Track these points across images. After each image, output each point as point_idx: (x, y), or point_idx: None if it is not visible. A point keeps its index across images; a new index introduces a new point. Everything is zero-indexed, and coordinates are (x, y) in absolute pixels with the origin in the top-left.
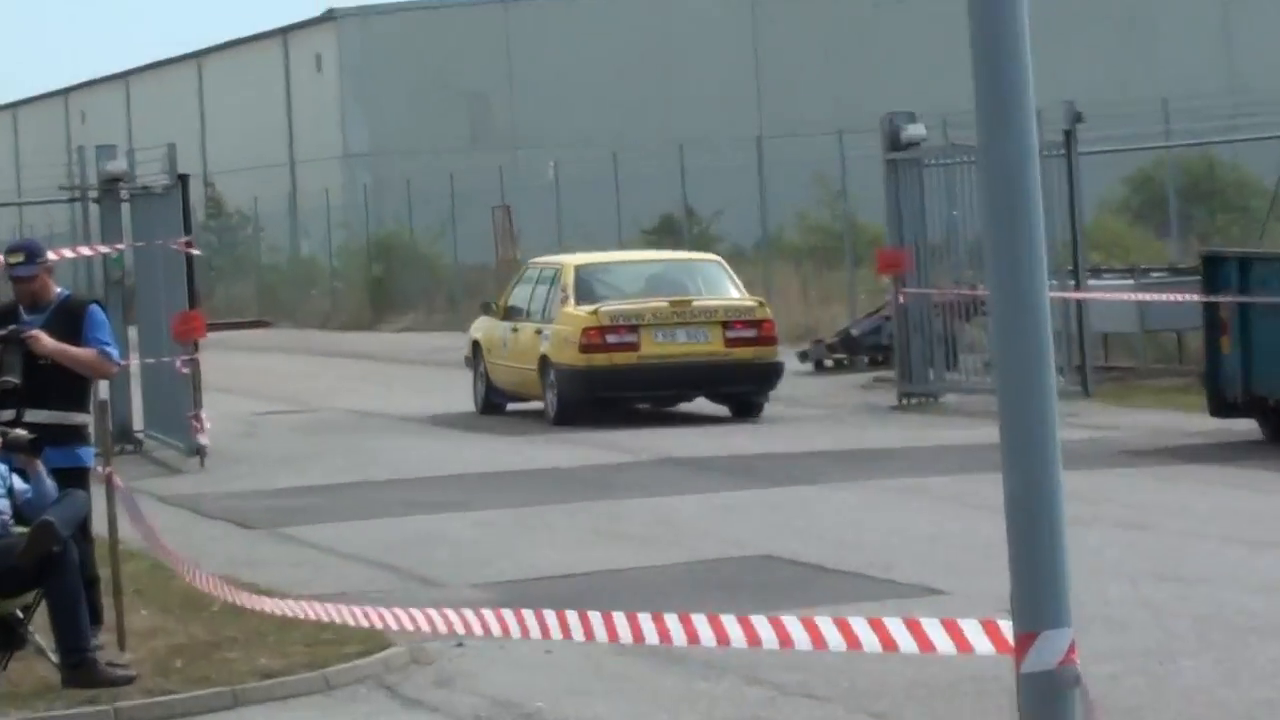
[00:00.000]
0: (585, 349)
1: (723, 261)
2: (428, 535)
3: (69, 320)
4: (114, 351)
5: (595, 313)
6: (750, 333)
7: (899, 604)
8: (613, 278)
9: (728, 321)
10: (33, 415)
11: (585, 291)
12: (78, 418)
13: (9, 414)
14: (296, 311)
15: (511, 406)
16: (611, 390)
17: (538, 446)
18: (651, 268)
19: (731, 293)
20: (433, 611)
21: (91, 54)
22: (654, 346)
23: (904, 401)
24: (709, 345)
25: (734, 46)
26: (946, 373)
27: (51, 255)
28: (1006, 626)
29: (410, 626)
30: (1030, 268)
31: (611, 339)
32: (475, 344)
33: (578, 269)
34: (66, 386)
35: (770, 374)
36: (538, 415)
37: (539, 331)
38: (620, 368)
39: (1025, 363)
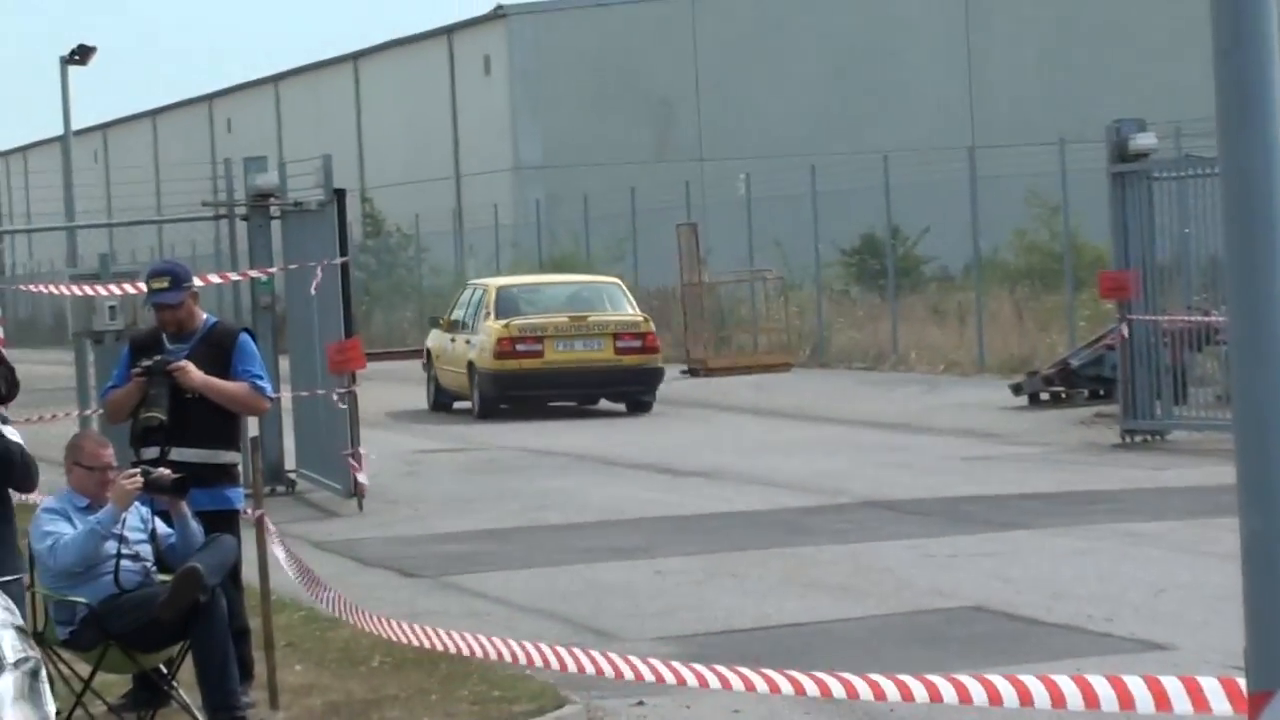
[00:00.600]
0: (499, 355)
1: (621, 284)
2: (604, 584)
3: (217, 351)
4: (266, 385)
5: (508, 325)
6: (636, 343)
7: (1119, 660)
8: (530, 297)
9: (618, 333)
10: (179, 454)
11: (505, 308)
12: (226, 456)
13: (153, 452)
14: None
15: (456, 405)
16: (521, 390)
17: (718, 486)
18: (563, 289)
19: (626, 310)
20: (615, 658)
21: (238, 56)
22: (556, 354)
23: (1127, 439)
24: (602, 353)
25: (944, 47)
26: (1175, 407)
27: (197, 280)
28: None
29: (592, 670)
30: (1274, 291)
31: (521, 348)
32: (428, 352)
33: (499, 289)
34: (214, 423)
35: (653, 377)
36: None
37: (469, 341)
38: (528, 371)
39: (1268, 396)
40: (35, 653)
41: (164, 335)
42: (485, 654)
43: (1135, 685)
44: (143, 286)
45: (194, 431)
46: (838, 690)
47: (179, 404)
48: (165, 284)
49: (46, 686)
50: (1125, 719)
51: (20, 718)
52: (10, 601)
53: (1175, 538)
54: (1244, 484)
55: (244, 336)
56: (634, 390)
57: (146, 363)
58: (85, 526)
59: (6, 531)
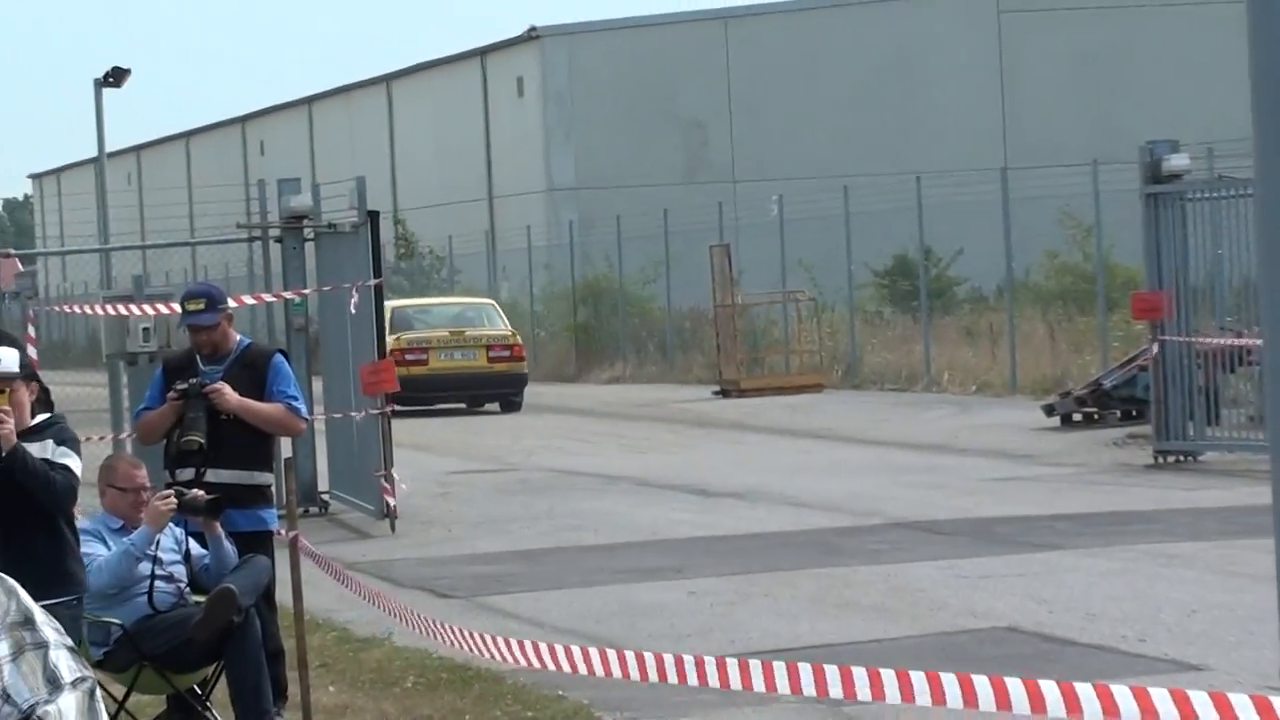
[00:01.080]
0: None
1: (496, 305)
2: (638, 605)
3: (251, 372)
4: (301, 406)
5: (399, 339)
6: (506, 353)
7: (1153, 680)
8: (421, 315)
9: (490, 345)
10: (214, 475)
11: (398, 324)
12: (261, 477)
13: (189, 473)
14: None
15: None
16: (412, 392)
17: (751, 507)
18: (449, 309)
19: (499, 326)
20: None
21: (271, 78)
22: (439, 363)
23: (1160, 460)
24: (477, 362)
25: (977, 67)
26: (1208, 429)
27: (231, 302)
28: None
29: (637, 676)
30: None
31: (409, 357)
32: None
33: (394, 309)
34: (249, 444)
35: (520, 381)
36: None
37: None
38: (416, 377)
39: None
40: (90, 672)
41: (198, 357)
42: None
43: (1161, 699)
44: (176, 308)
45: (229, 453)
46: (892, 695)
47: (214, 425)
48: (201, 305)
49: (102, 706)
50: None
51: None
52: (57, 623)
53: (1208, 559)
54: (1278, 505)
55: (279, 358)
56: (505, 392)
57: (182, 385)
58: (119, 548)
59: (54, 552)
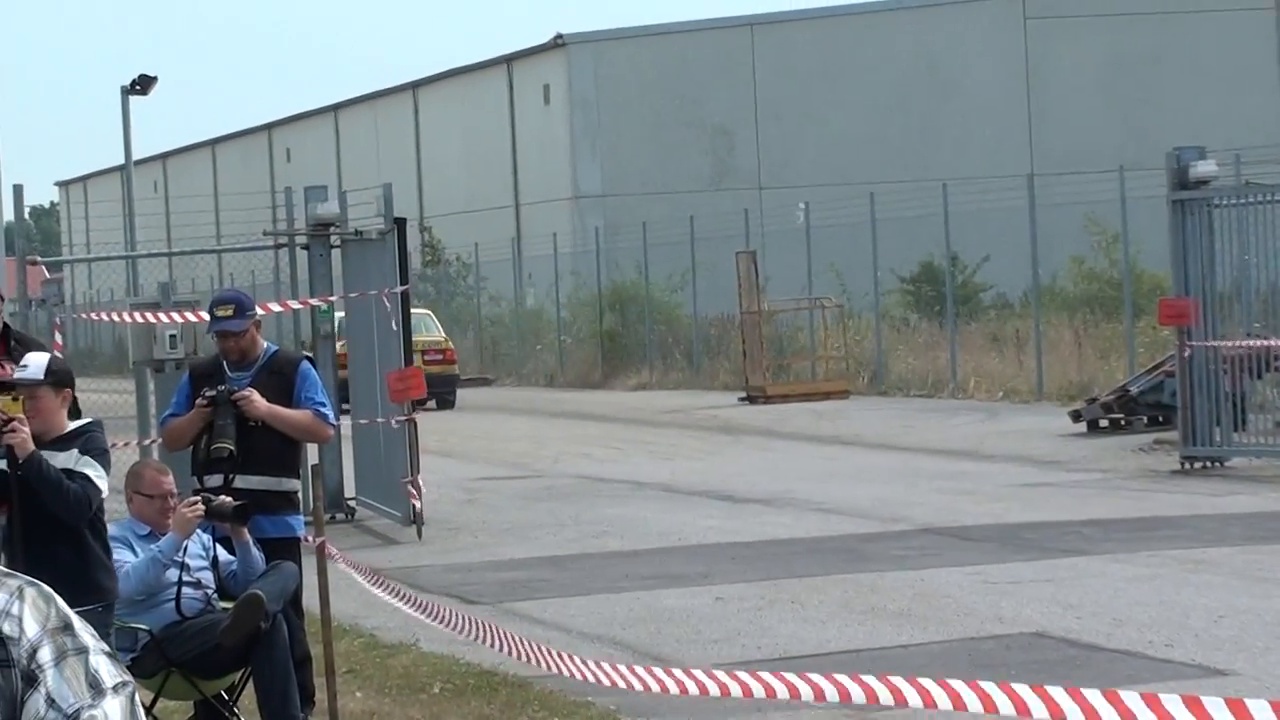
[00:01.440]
0: (339, 367)
1: (432, 314)
2: (664, 611)
3: (279, 379)
4: (330, 413)
5: (343, 344)
6: (439, 357)
7: (1180, 685)
8: None
9: (425, 350)
10: (243, 481)
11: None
12: (289, 483)
13: (217, 480)
14: (521, 367)
15: None
16: None
17: (777, 513)
18: None
19: (434, 332)
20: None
21: (297, 85)
22: None
23: (1187, 465)
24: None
25: (1004, 74)
26: (1234, 434)
27: (258, 309)
28: None
29: (674, 689)
30: None
31: None
32: None
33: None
34: (278, 450)
35: (452, 382)
36: None
37: None
38: None
39: None
40: (129, 677)
41: (225, 364)
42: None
43: (1172, 704)
44: (204, 315)
45: (257, 459)
46: (914, 699)
47: (242, 432)
48: (230, 311)
49: (141, 711)
50: None
51: None
52: (91, 628)
53: (1235, 564)
54: None
55: (306, 364)
56: (440, 391)
57: (211, 392)
58: (146, 555)
59: (77, 561)
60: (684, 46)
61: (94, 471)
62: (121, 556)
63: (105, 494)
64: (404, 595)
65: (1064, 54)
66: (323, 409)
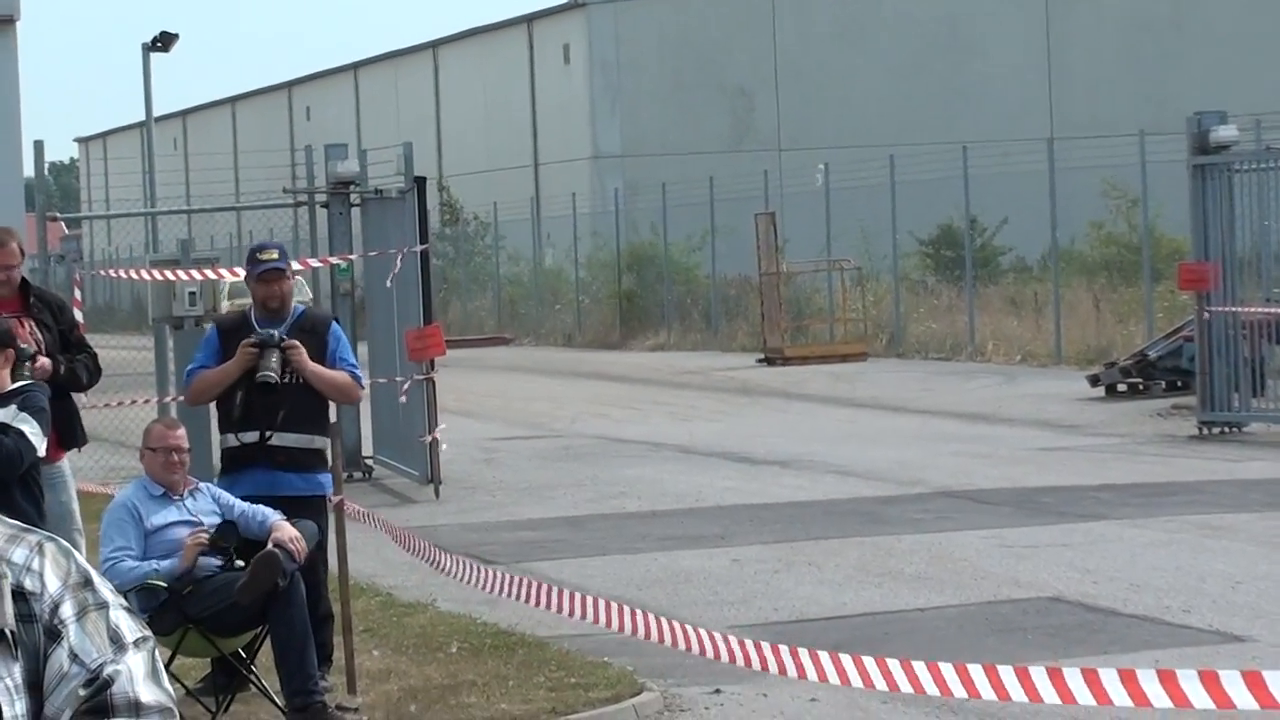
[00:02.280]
0: None
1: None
2: (681, 572)
3: (311, 336)
4: (362, 375)
5: (233, 304)
6: None
7: (1196, 652)
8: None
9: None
10: (279, 439)
11: (236, 293)
12: (320, 441)
13: (252, 436)
14: (539, 328)
15: None
16: None
17: (795, 475)
18: None
19: (305, 293)
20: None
21: (318, 44)
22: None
23: (1204, 431)
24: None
25: (1024, 37)
26: (1253, 400)
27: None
28: None
29: (681, 645)
30: None
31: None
32: None
33: (230, 283)
34: (311, 408)
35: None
36: None
37: None
38: None
39: None
40: (149, 632)
41: (254, 320)
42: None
43: (1188, 680)
44: (223, 273)
45: (292, 416)
46: (928, 683)
47: (279, 390)
48: (275, 255)
49: (162, 666)
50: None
51: (150, 696)
52: (110, 584)
53: (1253, 530)
54: None
55: (336, 325)
56: None
57: (260, 336)
58: (142, 571)
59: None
60: (703, 7)
61: (29, 428)
62: (121, 544)
63: (40, 453)
64: (429, 557)
65: (1085, 17)
66: (356, 371)
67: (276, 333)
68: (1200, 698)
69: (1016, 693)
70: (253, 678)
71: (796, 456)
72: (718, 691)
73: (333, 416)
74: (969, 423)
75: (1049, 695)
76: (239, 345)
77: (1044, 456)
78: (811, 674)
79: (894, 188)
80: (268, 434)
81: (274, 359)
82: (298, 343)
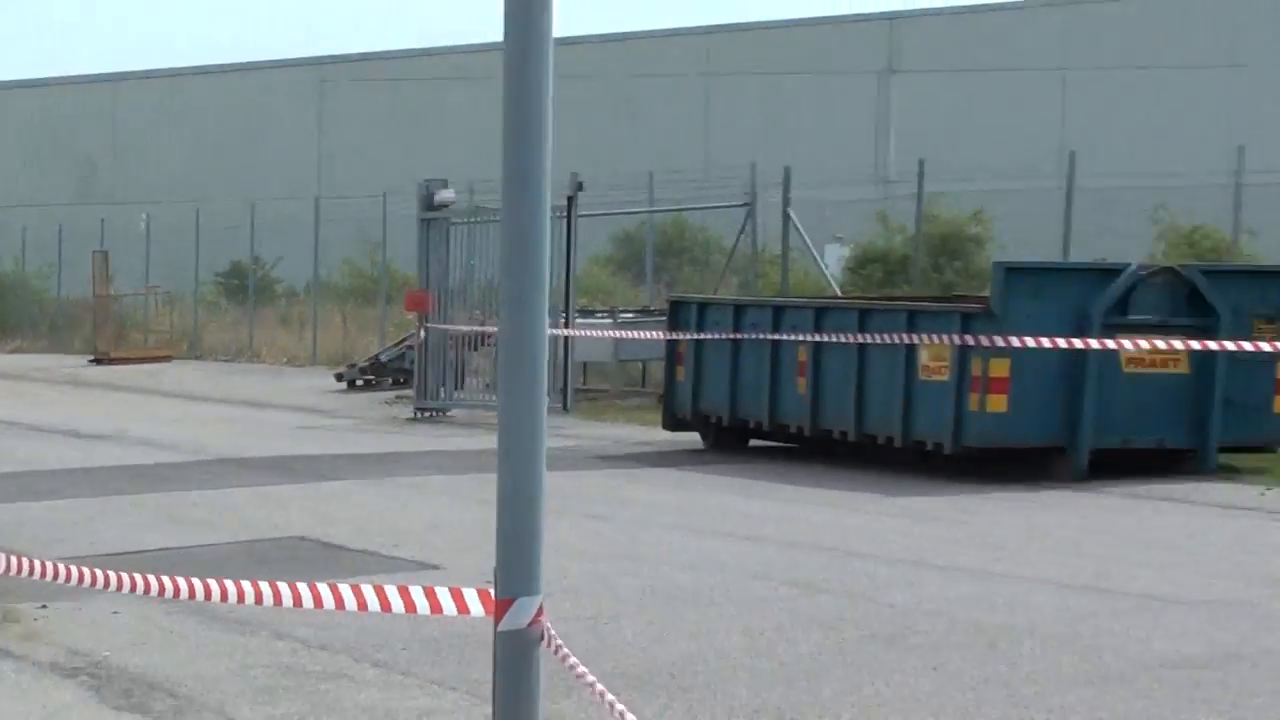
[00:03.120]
0: None
1: None
2: (22, 519)
3: None
4: None
5: None
6: None
7: (405, 576)
8: None
9: None
10: None
11: None
12: None
13: None
14: None
15: None
16: None
17: (113, 445)
18: None
19: None
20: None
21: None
22: None
23: (419, 414)
24: None
25: (302, 123)
26: (456, 392)
27: None
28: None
29: (14, 570)
30: (534, 309)
31: None
32: None
33: None
34: None
35: None
36: None
37: None
38: None
39: (523, 385)
40: None
41: None
42: None
43: (391, 594)
44: None
45: None
46: (200, 594)
47: None
48: None
49: None
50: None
51: None
52: None
53: (451, 487)
54: (503, 451)
55: None
56: None
57: None
58: None
59: None
60: (59, 94)
61: None
62: None
63: None
64: None
65: (355, 106)
66: None
67: None
68: (398, 605)
69: (267, 600)
70: None
71: (114, 432)
72: (44, 606)
73: None
74: (246, 408)
75: (288, 600)
76: None
77: (300, 433)
78: (114, 587)
79: (198, 232)
80: None
81: None
82: None
